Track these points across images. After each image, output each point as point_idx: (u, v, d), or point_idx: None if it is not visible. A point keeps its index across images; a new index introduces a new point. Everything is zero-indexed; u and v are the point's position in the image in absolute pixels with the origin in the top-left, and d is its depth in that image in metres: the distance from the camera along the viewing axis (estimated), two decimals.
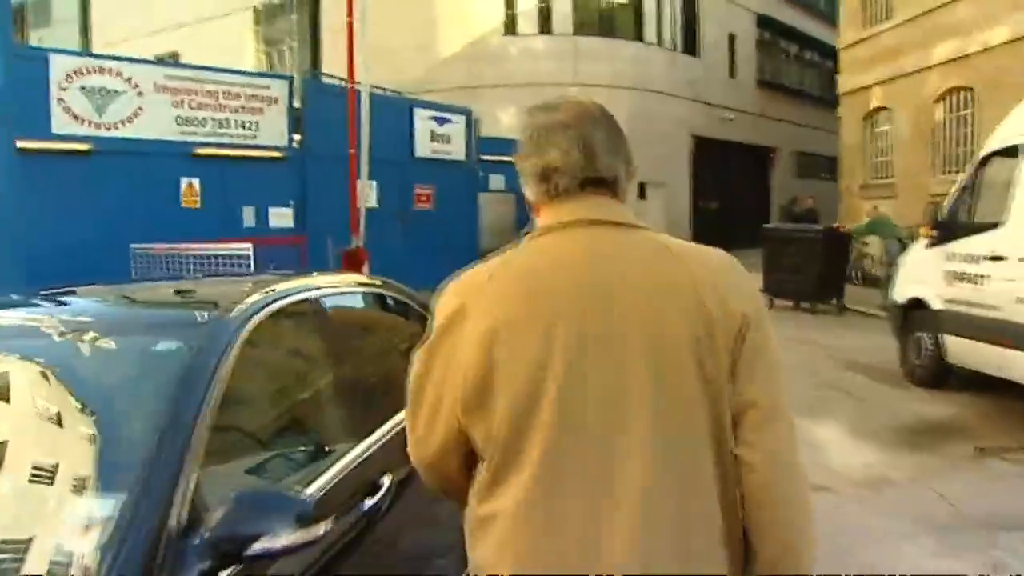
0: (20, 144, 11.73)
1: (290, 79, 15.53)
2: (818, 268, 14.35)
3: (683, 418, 1.53)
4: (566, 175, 1.69)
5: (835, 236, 14.99)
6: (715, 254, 1.69)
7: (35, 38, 36.95)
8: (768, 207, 33.55)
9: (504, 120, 26.28)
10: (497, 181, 23.04)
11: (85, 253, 12.01)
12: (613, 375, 1.52)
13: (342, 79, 14.47)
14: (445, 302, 1.64)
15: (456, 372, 1.57)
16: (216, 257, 10.74)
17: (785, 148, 36.19)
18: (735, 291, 1.62)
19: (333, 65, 17.28)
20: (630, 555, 1.46)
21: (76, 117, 12.44)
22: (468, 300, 1.60)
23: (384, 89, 18.91)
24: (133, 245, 12.01)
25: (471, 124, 21.15)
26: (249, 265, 10.22)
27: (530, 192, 1.75)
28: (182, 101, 13.66)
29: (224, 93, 14.26)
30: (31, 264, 11.23)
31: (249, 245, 10.38)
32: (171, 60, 21.25)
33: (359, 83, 13.55)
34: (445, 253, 13.03)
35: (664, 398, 1.52)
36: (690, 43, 30.89)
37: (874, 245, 16.89)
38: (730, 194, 32.54)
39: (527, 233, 1.71)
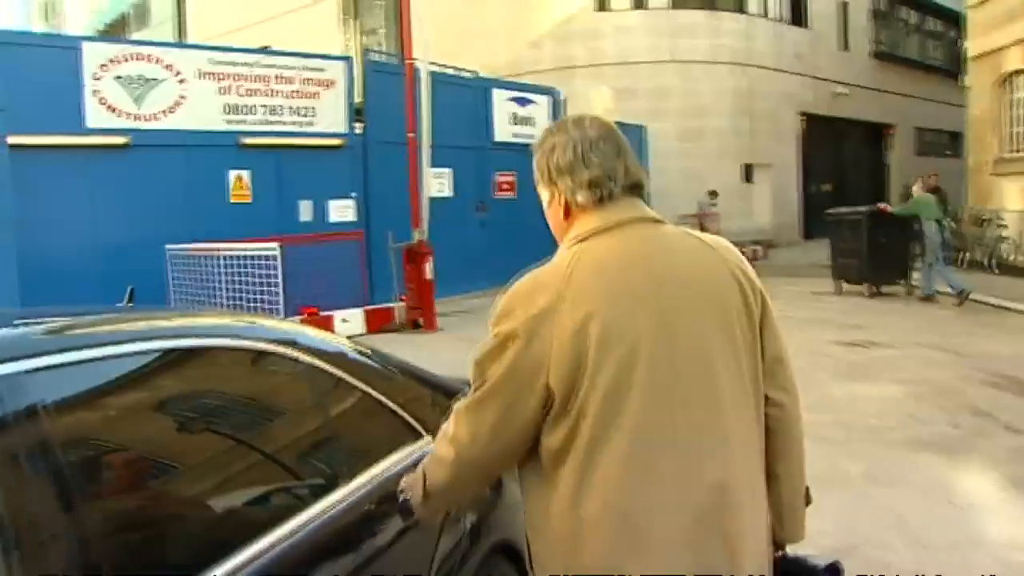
0: (48, 140, 10.92)
1: (348, 60, 14.30)
2: (868, 249, 14.18)
3: (746, 372, 1.85)
4: (614, 182, 1.89)
5: (880, 216, 14.45)
6: (726, 242, 2.02)
7: None
8: (885, 188, 31.08)
9: (597, 101, 24.91)
10: None
11: (119, 255, 11.13)
12: (697, 343, 1.79)
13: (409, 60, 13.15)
14: (528, 299, 1.76)
15: (545, 363, 1.72)
16: (244, 257, 9.64)
17: (903, 124, 33.64)
18: (750, 271, 1.97)
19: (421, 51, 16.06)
20: (726, 472, 1.76)
21: (112, 109, 11.50)
22: (555, 295, 1.74)
23: (459, 69, 17.59)
24: (167, 246, 11.02)
25: (556, 104, 19.63)
26: (276, 266, 9.09)
27: (580, 198, 1.88)
28: (229, 87, 12.63)
29: (276, 78, 13.15)
30: (50, 271, 10.43)
31: (276, 244, 9.22)
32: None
33: (417, 59, 12.23)
34: (528, 244, 11.65)
35: (733, 358, 1.83)
36: (797, 13, 28.69)
37: (1013, 224, 14.87)
38: (843, 175, 30.41)
39: (580, 239, 1.85)
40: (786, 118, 27.59)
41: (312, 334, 2.68)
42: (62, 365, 1.74)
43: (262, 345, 2.29)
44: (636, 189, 1.92)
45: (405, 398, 2.75)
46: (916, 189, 14.67)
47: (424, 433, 2.64)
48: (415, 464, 2.19)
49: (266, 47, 14.07)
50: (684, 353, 1.77)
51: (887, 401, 7.53)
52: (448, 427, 1.91)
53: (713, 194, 23.21)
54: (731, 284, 1.87)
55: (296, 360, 2.33)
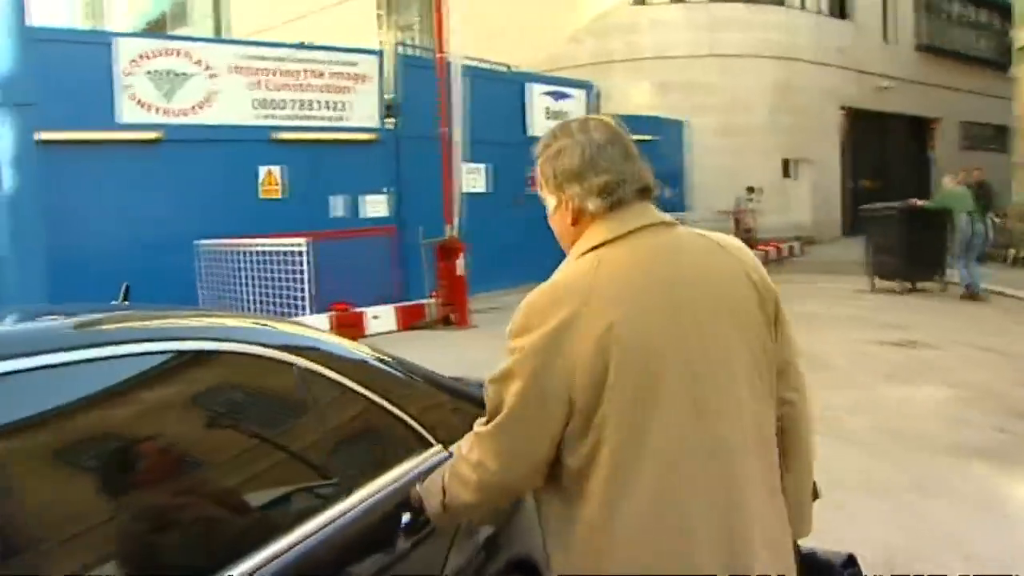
0: (78, 136, 10.89)
1: (380, 54, 14.16)
2: (901, 245, 14.08)
3: (763, 375, 1.84)
4: (626, 187, 1.83)
5: (914, 212, 14.34)
6: (739, 243, 1.97)
7: None
8: (929, 183, 30.44)
9: (636, 96, 24.66)
10: None
11: (150, 251, 11.10)
12: (720, 350, 1.77)
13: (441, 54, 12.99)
14: (548, 312, 1.71)
15: (569, 377, 1.68)
16: (272, 253, 9.53)
17: (949, 118, 32.96)
18: (764, 273, 1.92)
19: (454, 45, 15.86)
20: (753, 477, 1.78)
21: (143, 104, 11.45)
22: (576, 306, 1.69)
23: (493, 64, 17.41)
24: (197, 241, 10.96)
25: (592, 98, 19.40)
26: (303, 262, 8.96)
27: (591, 205, 1.83)
28: (259, 82, 12.54)
29: (307, 72, 13.03)
30: (80, 267, 10.39)
31: (303, 240, 9.08)
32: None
33: (449, 53, 12.06)
34: None
35: (752, 362, 1.81)
36: (839, 5, 28.19)
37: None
38: (886, 170, 29.83)
39: (594, 246, 1.80)
40: (827, 113, 27.11)
41: (325, 339, 2.50)
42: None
43: (267, 352, 2.10)
44: (646, 193, 1.87)
45: (423, 407, 2.56)
46: (947, 182, 14.44)
47: (434, 443, 2.46)
48: (429, 471, 2.13)
49: (303, 43, 13.97)
50: (709, 360, 1.76)
51: (931, 404, 7.21)
52: (468, 450, 1.85)
53: (751, 190, 22.85)
54: (747, 287, 1.85)
55: (300, 368, 2.14)
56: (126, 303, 2.59)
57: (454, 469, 1.90)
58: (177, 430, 1.88)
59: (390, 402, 2.36)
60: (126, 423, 1.77)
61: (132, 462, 1.75)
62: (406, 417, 2.41)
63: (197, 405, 1.96)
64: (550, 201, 1.90)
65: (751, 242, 21.54)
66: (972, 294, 13.39)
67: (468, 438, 1.87)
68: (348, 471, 2.19)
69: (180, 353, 1.92)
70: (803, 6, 26.75)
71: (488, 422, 1.80)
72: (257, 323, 2.30)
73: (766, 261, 20.69)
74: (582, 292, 1.71)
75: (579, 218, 1.85)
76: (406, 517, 2.13)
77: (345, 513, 2.05)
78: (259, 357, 2.05)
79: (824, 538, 4.39)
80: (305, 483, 2.13)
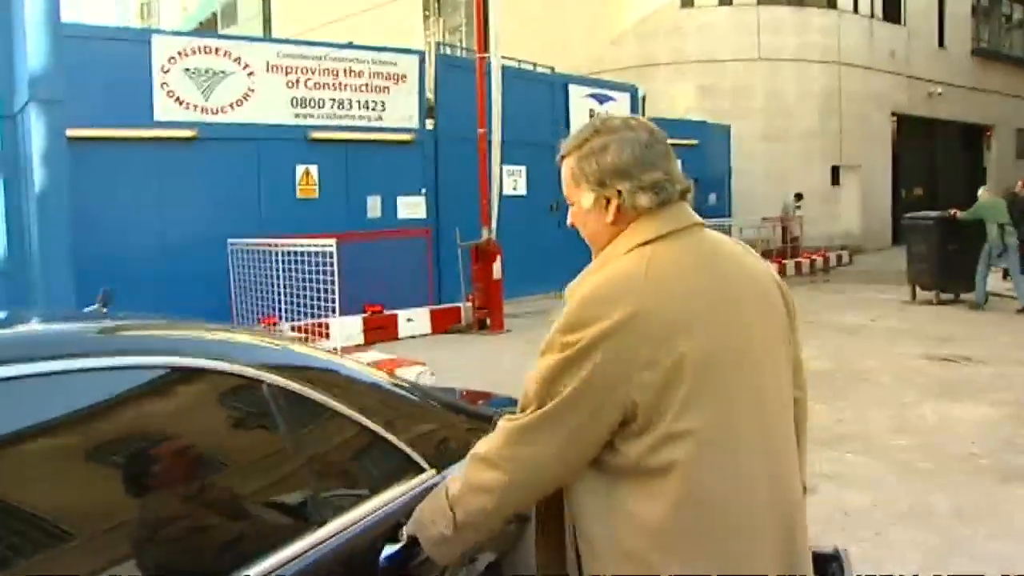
0: (120, 133, 10.89)
1: (420, 54, 14.02)
2: (937, 256, 14.03)
3: (790, 374, 1.89)
4: (673, 186, 1.83)
5: (949, 222, 14.16)
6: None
7: None
8: None
9: (680, 99, 24.37)
10: None
11: (182, 249, 11.08)
12: (770, 349, 1.82)
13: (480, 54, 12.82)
14: (606, 306, 1.68)
15: (630, 374, 1.65)
16: (302, 253, 9.44)
17: (1003, 125, 32.18)
18: (778, 277, 1.96)
19: (502, 46, 15.55)
20: (795, 476, 1.83)
21: (180, 101, 11.41)
22: (636, 302, 1.67)
23: (535, 65, 17.23)
24: (229, 240, 10.91)
25: (636, 101, 19.12)
26: (332, 263, 8.82)
27: (643, 200, 1.80)
28: (297, 81, 12.44)
29: (345, 71, 12.94)
30: (110, 267, 10.34)
31: (333, 240, 8.95)
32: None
33: (488, 54, 11.90)
34: None
35: (786, 361, 1.88)
36: (892, 9, 27.51)
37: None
38: (936, 178, 29.13)
39: (642, 243, 1.78)
40: (877, 119, 26.53)
41: (305, 355, 2.32)
42: None
43: (245, 371, 1.91)
44: (686, 194, 1.87)
45: (419, 428, 2.37)
46: (983, 193, 14.22)
47: (426, 467, 2.25)
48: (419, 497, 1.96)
49: (350, 43, 13.89)
50: (763, 360, 1.79)
51: (977, 424, 6.85)
52: (491, 449, 1.77)
53: (800, 196, 22.42)
54: (775, 286, 1.91)
55: (270, 385, 1.94)
56: (104, 311, 2.40)
57: (469, 478, 1.80)
58: (121, 452, 1.69)
59: (376, 423, 2.16)
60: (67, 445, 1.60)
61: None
62: (394, 439, 2.20)
63: (144, 426, 1.77)
64: (585, 198, 1.85)
65: (796, 250, 21.16)
66: (976, 304, 13.35)
67: (489, 439, 1.79)
68: (321, 497, 1.99)
69: (141, 368, 1.74)
70: (855, 9, 26.17)
71: (518, 417, 1.74)
72: (232, 337, 2.11)
73: (813, 270, 20.35)
74: (639, 289, 1.69)
75: (621, 216, 1.82)
76: (389, 549, 1.93)
77: (316, 546, 1.84)
78: (224, 374, 1.87)
79: (862, 567, 4.11)
80: (271, 511, 1.93)
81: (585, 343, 1.66)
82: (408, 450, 2.22)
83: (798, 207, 22.18)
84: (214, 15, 43.89)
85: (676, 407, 1.64)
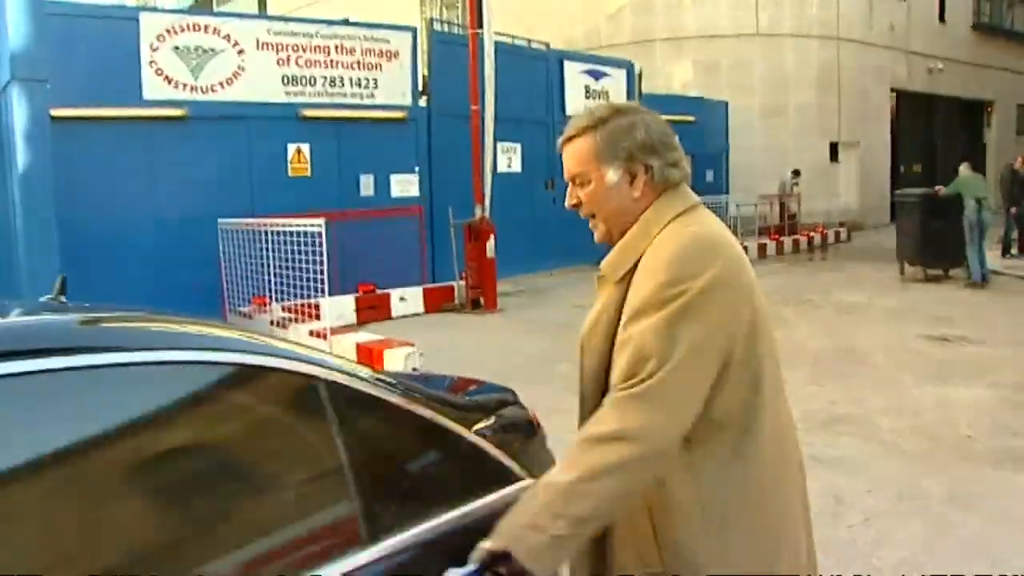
0: (108, 112, 10.76)
1: (413, 31, 13.83)
2: (921, 232, 14.18)
3: None
4: (685, 165, 1.90)
5: (933, 200, 14.31)
6: None
7: None
8: (983, 168, 29.52)
9: (677, 75, 24.19)
10: None
11: (173, 229, 10.98)
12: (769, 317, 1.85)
13: (472, 30, 12.65)
14: (705, 259, 1.71)
15: (733, 327, 1.71)
16: (291, 233, 9.34)
17: (1004, 101, 31.98)
18: None
19: (497, 22, 15.28)
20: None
21: (169, 80, 11.26)
22: (719, 261, 1.72)
23: (530, 41, 17.03)
24: (220, 220, 10.80)
25: (632, 78, 18.93)
26: (321, 243, 8.73)
27: (674, 174, 1.86)
28: (288, 59, 12.27)
29: (337, 48, 12.76)
30: (98, 248, 10.26)
31: (321, 221, 8.84)
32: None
33: (481, 29, 11.74)
34: None
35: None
36: None
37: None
38: (936, 154, 28.91)
39: (680, 213, 1.83)
40: (876, 94, 26.32)
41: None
42: None
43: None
44: (686, 179, 1.93)
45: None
46: (963, 169, 14.35)
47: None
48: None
49: (347, 20, 13.70)
50: (772, 327, 1.86)
51: (973, 407, 6.76)
52: (616, 424, 1.65)
53: (797, 173, 22.27)
54: None
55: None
56: (62, 300, 2.29)
57: (591, 463, 1.63)
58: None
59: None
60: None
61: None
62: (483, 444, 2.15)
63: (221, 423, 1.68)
64: (611, 173, 1.84)
65: (794, 227, 21.04)
66: (975, 283, 13.32)
67: (602, 417, 1.68)
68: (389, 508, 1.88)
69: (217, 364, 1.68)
70: None
71: (638, 381, 1.65)
72: (183, 324, 1.99)
73: (811, 247, 20.24)
74: (717, 251, 1.74)
75: (648, 191, 1.85)
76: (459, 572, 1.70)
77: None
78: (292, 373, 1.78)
79: (850, 552, 4.04)
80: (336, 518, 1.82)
81: (699, 288, 1.67)
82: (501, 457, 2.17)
83: (795, 184, 22.04)
84: None
85: (756, 362, 1.73)
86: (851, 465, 5.44)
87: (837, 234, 22.12)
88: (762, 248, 18.42)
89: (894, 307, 11.62)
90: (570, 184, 1.91)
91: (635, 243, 1.81)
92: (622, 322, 1.73)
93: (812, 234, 20.83)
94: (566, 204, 1.94)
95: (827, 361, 8.40)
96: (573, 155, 1.87)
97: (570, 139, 1.88)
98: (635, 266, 1.79)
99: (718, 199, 19.49)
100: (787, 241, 19.78)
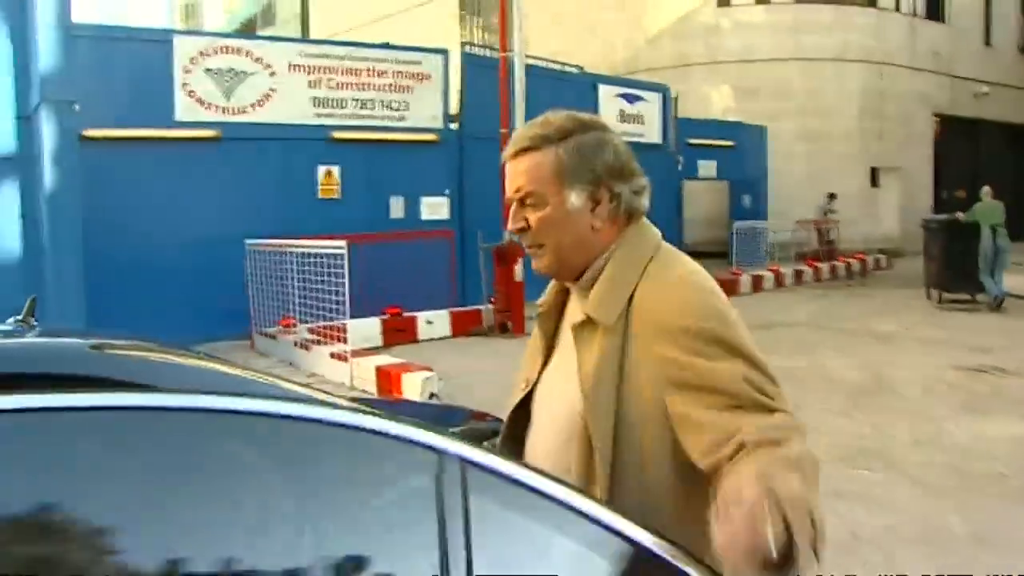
0: (140, 133, 10.88)
1: (445, 53, 13.85)
2: (943, 258, 14.35)
3: None
4: (647, 196, 1.71)
5: (956, 226, 14.49)
6: None
7: None
8: None
9: (716, 99, 24.05)
10: (707, 167, 20.86)
11: (203, 250, 11.03)
12: None
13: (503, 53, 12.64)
14: (717, 296, 1.57)
15: None
16: (315, 255, 9.34)
17: None
18: None
19: (537, 46, 15.32)
20: None
21: (201, 102, 11.36)
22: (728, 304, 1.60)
23: (563, 64, 17.02)
24: (247, 241, 10.84)
25: (668, 102, 18.82)
26: (343, 265, 8.70)
27: (644, 202, 1.68)
28: (319, 81, 12.34)
29: (368, 71, 12.82)
30: (130, 264, 10.34)
31: (344, 243, 8.81)
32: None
33: (511, 52, 11.72)
34: None
35: None
36: (935, 7, 26.94)
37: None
38: (980, 180, 28.20)
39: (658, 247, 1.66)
40: (919, 119, 25.99)
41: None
42: None
43: None
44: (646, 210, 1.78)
45: None
46: (983, 195, 14.40)
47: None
48: None
49: (387, 43, 13.78)
50: None
51: (1006, 442, 6.52)
52: (790, 427, 1.42)
53: (833, 197, 21.95)
54: None
55: None
56: (32, 322, 2.22)
57: (799, 451, 1.37)
58: None
59: None
60: None
61: None
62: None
63: None
64: (578, 197, 1.60)
65: (832, 253, 20.70)
66: (994, 306, 13.54)
67: (784, 422, 1.42)
68: None
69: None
70: (897, 8, 25.64)
71: (768, 399, 1.45)
72: (137, 352, 1.90)
73: (849, 274, 19.88)
74: (718, 294, 1.59)
75: (609, 222, 1.63)
76: None
77: None
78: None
79: None
80: None
81: (731, 319, 1.53)
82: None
83: (831, 209, 21.72)
84: (255, 16, 44.27)
85: None
86: (874, 501, 5.24)
87: (877, 261, 21.72)
88: (798, 275, 18.13)
89: (930, 336, 11.32)
90: (515, 204, 1.64)
91: (625, 279, 1.58)
92: (670, 394, 1.48)
93: (851, 260, 20.48)
94: (509, 227, 1.67)
95: (858, 392, 8.18)
96: (528, 171, 1.61)
97: (524, 151, 1.63)
98: (628, 308, 1.55)
99: (754, 224, 19.26)
100: (824, 268, 19.45)
